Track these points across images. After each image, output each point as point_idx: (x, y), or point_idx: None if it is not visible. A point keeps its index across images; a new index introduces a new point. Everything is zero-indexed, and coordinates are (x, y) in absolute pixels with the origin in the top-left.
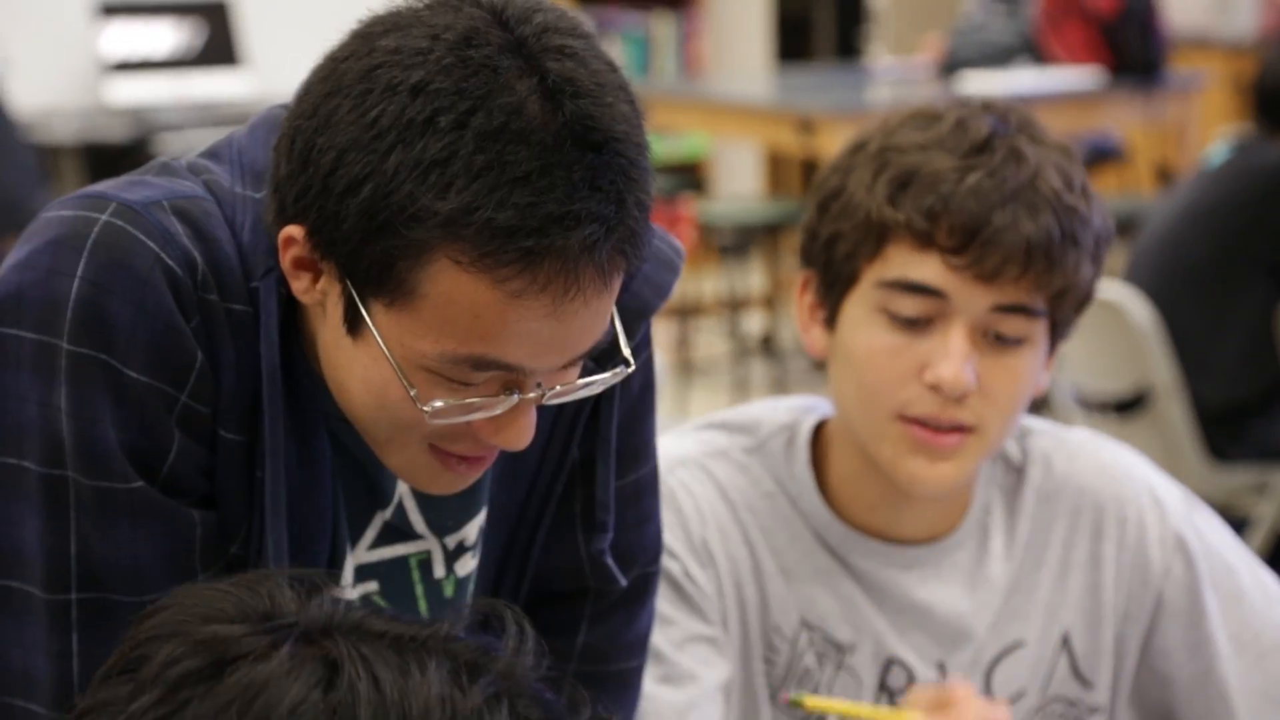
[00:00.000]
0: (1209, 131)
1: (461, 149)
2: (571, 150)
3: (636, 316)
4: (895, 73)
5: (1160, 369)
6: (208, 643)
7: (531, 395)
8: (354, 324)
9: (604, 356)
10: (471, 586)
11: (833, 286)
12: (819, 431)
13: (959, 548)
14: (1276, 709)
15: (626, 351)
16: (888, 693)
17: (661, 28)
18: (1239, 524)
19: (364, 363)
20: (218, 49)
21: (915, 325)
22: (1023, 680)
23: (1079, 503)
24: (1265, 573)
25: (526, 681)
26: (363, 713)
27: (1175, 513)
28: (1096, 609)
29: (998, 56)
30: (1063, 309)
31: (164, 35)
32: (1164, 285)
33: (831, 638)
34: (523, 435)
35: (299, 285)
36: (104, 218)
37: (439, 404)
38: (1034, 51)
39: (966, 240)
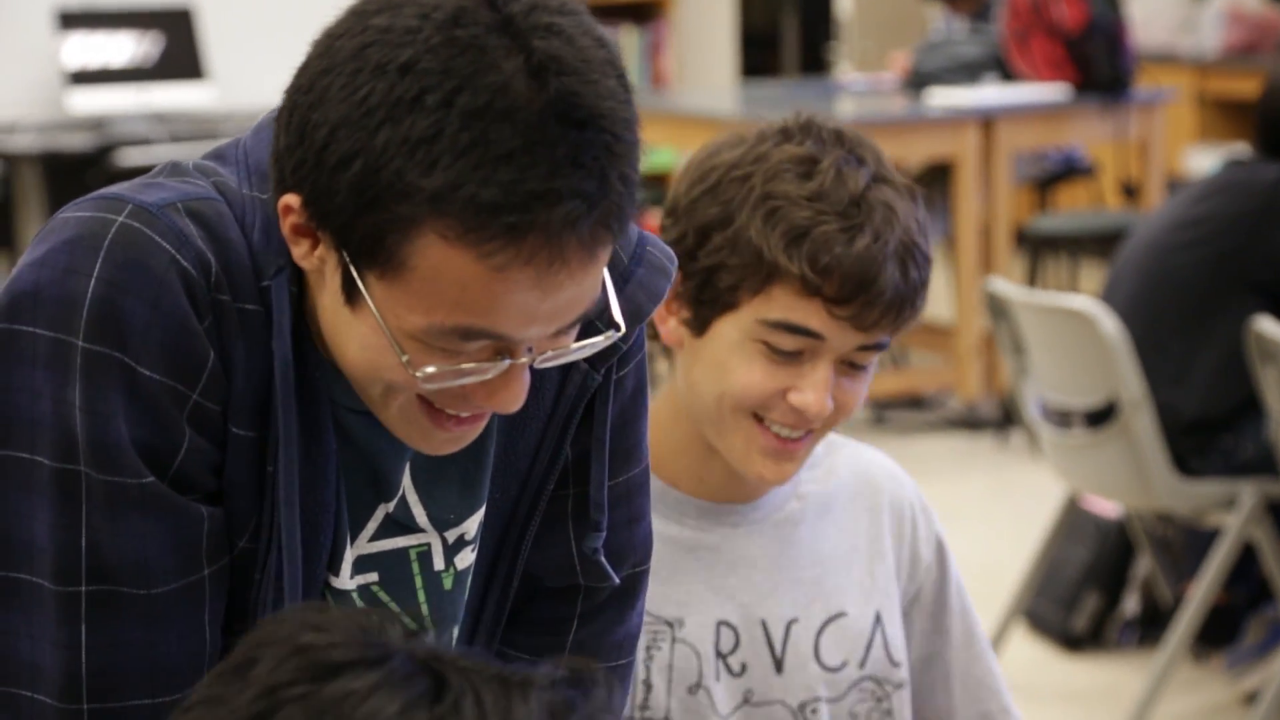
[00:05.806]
0: (1174, 148)
1: (447, 127)
2: (555, 127)
3: (632, 320)
4: (862, 87)
5: (1128, 382)
6: (313, 649)
7: (522, 360)
8: (350, 294)
9: (593, 328)
10: (469, 580)
11: (705, 303)
12: None
13: (775, 509)
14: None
15: (618, 316)
16: (721, 658)
17: (627, 41)
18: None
19: (361, 330)
20: (180, 60)
21: (789, 356)
22: (846, 650)
23: (876, 501)
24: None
25: None
26: None
27: (934, 518)
28: (893, 595)
29: (966, 72)
30: (898, 336)
31: (126, 46)
32: (1148, 295)
33: (658, 615)
34: (515, 398)
35: (298, 251)
36: (120, 219)
37: (431, 370)
38: (1002, 67)
39: (852, 295)
